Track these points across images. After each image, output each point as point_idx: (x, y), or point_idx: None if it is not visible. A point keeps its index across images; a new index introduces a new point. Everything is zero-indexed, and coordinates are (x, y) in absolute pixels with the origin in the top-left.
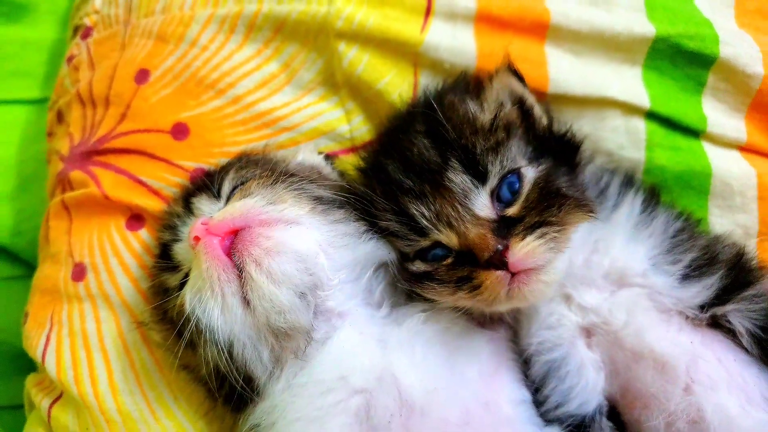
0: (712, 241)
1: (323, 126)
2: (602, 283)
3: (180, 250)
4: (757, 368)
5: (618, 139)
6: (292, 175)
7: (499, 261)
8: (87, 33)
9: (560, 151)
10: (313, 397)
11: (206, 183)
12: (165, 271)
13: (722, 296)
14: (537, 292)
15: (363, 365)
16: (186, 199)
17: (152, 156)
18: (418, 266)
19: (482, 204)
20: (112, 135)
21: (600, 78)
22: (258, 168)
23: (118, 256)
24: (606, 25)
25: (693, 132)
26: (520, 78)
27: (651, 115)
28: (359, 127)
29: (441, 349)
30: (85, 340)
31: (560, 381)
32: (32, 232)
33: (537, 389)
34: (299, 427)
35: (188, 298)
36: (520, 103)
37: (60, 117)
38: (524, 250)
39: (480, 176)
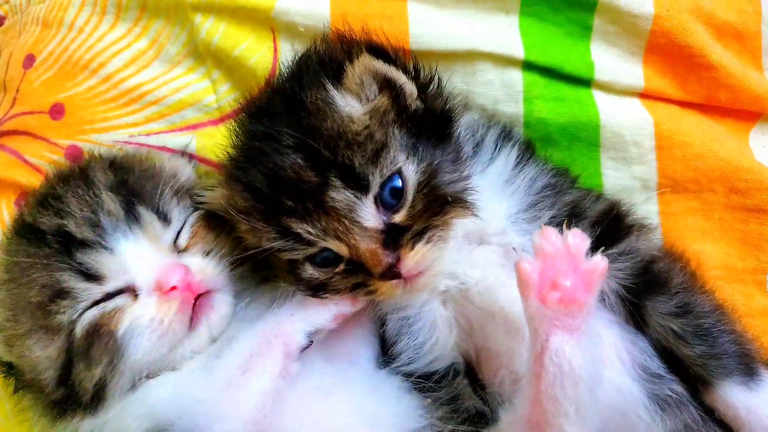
0: (580, 197)
1: (189, 98)
2: (461, 243)
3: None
4: (618, 328)
5: (492, 93)
6: None
7: (392, 274)
8: (0, 22)
9: (435, 123)
10: None
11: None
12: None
13: None
14: (429, 282)
15: None
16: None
17: (34, 136)
18: (311, 272)
19: (368, 214)
20: (6, 118)
21: (467, 30)
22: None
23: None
24: None
25: (581, 81)
26: (384, 53)
27: (528, 66)
28: (225, 96)
29: None
30: None
31: (412, 337)
32: None
33: (391, 346)
34: None
35: None
36: (387, 83)
37: None
38: (415, 258)
39: (362, 188)
